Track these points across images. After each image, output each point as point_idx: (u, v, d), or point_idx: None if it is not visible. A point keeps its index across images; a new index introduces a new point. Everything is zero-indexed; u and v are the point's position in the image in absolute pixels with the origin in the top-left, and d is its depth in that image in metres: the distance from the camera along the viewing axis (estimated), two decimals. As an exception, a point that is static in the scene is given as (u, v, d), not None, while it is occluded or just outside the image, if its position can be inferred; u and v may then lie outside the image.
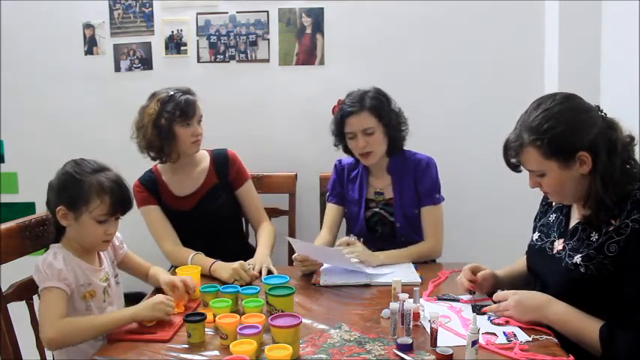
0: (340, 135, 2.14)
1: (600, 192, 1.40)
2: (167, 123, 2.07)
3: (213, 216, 2.17)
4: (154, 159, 2.17)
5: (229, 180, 2.24)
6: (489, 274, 1.69)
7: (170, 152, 2.11)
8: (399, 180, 2.15)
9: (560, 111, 1.42)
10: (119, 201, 1.61)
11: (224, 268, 1.91)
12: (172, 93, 2.10)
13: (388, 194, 2.17)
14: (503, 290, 1.71)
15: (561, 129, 1.40)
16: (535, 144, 1.42)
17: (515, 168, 1.53)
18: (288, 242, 2.07)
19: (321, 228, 2.34)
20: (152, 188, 2.16)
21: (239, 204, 2.28)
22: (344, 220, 2.28)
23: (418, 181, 2.13)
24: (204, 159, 2.25)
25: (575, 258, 1.45)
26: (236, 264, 1.89)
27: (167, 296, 1.60)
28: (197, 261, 1.99)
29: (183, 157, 2.15)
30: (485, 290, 1.69)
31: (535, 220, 1.73)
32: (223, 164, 2.24)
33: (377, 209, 2.18)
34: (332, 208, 2.25)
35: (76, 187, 1.58)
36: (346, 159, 2.28)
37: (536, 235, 1.66)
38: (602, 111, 1.46)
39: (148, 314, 1.53)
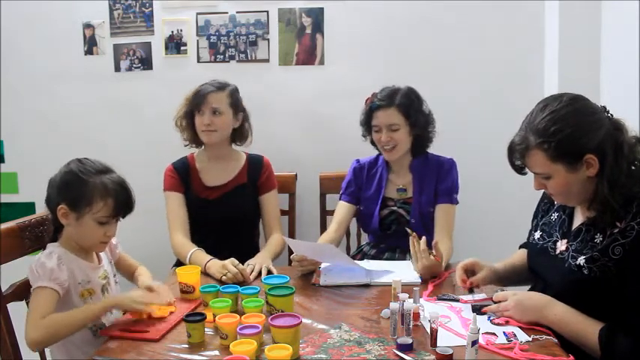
0: (368, 126, 2.18)
1: (607, 194, 1.38)
2: (188, 109, 2.23)
3: (233, 211, 2.21)
4: (187, 141, 2.30)
5: (258, 183, 2.29)
6: (486, 274, 1.69)
7: (190, 138, 2.27)
8: (420, 178, 2.16)
9: (568, 113, 1.40)
10: (122, 203, 1.61)
11: (214, 265, 1.92)
12: (204, 83, 2.23)
13: (410, 192, 2.17)
14: (504, 284, 1.72)
15: (569, 132, 1.38)
16: (542, 147, 1.40)
17: (519, 170, 1.52)
18: (287, 243, 2.07)
19: (321, 228, 2.34)
20: (183, 174, 2.25)
21: (260, 209, 2.31)
22: (351, 219, 2.29)
23: (439, 180, 2.14)
24: (240, 158, 2.33)
25: (579, 260, 1.44)
26: (226, 260, 1.90)
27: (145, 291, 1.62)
28: (195, 258, 2.01)
29: (207, 147, 2.27)
30: (485, 284, 1.69)
31: (535, 217, 1.72)
32: (256, 168, 2.30)
33: (394, 208, 2.18)
34: (343, 206, 2.25)
35: (80, 187, 1.57)
36: (365, 158, 2.29)
37: (537, 234, 1.66)
38: (608, 112, 1.45)
39: (125, 304, 1.54)
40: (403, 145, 2.13)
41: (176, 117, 2.27)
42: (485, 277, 1.69)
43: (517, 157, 1.48)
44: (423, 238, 1.82)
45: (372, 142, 2.23)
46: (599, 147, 1.38)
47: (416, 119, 2.11)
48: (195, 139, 2.27)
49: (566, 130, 1.39)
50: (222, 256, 1.96)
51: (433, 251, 1.82)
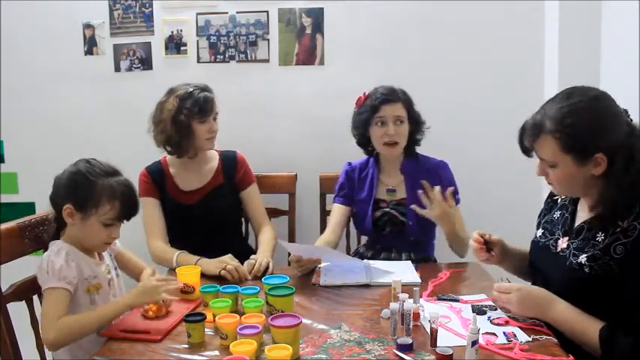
0: (365, 123, 2.13)
1: (613, 196, 1.39)
2: (186, 119, 2.11)
3: (214, 213, 2.19)
4: (170, 153, 2.20)
5: (235, 181, 2.26)
6: (498, 240, 1.73)
7: (188, 148, 2.15)
8: (412, 179, 2.15)
9: (587, 109, 1.40)
10: (128, 207, 1.62)
11: (209, 262, 1.92)
12: (191, 90, 2.14)
13: (400, 193, 2.18)
14: (506, 268, 1.78)
15: (583, 128, 1.38)
16: (554, 135, 1.40)
17: (527, 152, 1.52)
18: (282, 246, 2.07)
19: (321, 228, 2.34)
20: (158, 179, 2.20)
21: (242, 206, 2.29)
22: (349, 221, 2.29)
23: (438, 183, 2.08)
24: (213, 158, 2.29)
25: (580, 258, 1.44)
26: (224, 256, 1.91)
27: (159, 277, 1.61)
28: (182, 260, 1.99)
29: (199, 153, 2.19)
30: (496, 259, 1.74)
31: (539, 216, 1.72)
32: (231, 165, 2.27)
33: (387, 209, 2.18)
34: (338, 209, 2.24)
35: (88, 188, 1.57)
36: (356, 161, 2.29)
37: (539, 232, 1.66)
38: (629, 116, 1.44)
39: (144, 300, 1.54)
40: (404, 141, 2.14)
41: (163, 130, 2.13)
42: (499, 241, 1.72)
43: (528, 137, 1.47)
44: (437, 187, 1.90)
45: (360, 143, 2.23)
46: (611, 148, 1.38)
47: (414, 116, 2.16)
48: (182, 146, 2.14)
49: (581, 125, 1.38)
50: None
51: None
